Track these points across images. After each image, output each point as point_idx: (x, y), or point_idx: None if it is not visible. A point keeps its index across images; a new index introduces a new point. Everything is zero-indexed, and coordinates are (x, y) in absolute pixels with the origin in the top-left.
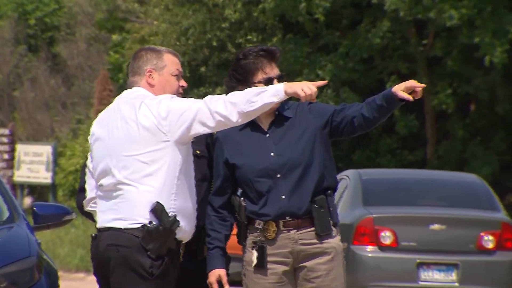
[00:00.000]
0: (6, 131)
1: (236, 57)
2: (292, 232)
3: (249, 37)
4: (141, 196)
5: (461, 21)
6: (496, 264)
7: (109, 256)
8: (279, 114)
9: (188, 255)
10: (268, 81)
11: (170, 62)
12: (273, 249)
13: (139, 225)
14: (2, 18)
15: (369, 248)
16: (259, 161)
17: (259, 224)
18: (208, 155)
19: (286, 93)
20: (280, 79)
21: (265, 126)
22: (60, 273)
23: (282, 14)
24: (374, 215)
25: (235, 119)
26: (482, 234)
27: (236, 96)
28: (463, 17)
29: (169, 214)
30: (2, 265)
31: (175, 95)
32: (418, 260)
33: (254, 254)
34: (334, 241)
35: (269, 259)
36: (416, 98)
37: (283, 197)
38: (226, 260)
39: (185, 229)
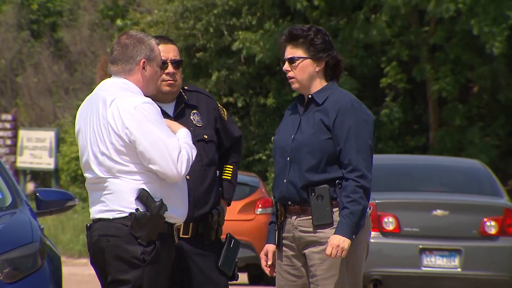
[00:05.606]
0: (8, 117)
1: None
2: (293, 218)
3: (241, 20)
4: (125, 186)
5: (457, 13)
6: (498, 249)
7: (102, 246)
8: (312, 98)
9: (196, 239)
10: (283, 63)
11: (158, 52)
12: (283, 233)
13: (126, 214)
14: (5, 3)
15: (372, 234)
16: (282, 140)
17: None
18: (217, 139)
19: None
20: (291, 61)
21: (302, 108)
22: (63, 259)
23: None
24: (376, 201)
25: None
26: (485, 219)
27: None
28: (462, 8)
29: (156, 199)
30: (5, 251)
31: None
32: (420, 246)
33: (276, 235)
34: (332, 232)
35: (283, 241)
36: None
37: (285, 180)
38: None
39: (177, 212)
